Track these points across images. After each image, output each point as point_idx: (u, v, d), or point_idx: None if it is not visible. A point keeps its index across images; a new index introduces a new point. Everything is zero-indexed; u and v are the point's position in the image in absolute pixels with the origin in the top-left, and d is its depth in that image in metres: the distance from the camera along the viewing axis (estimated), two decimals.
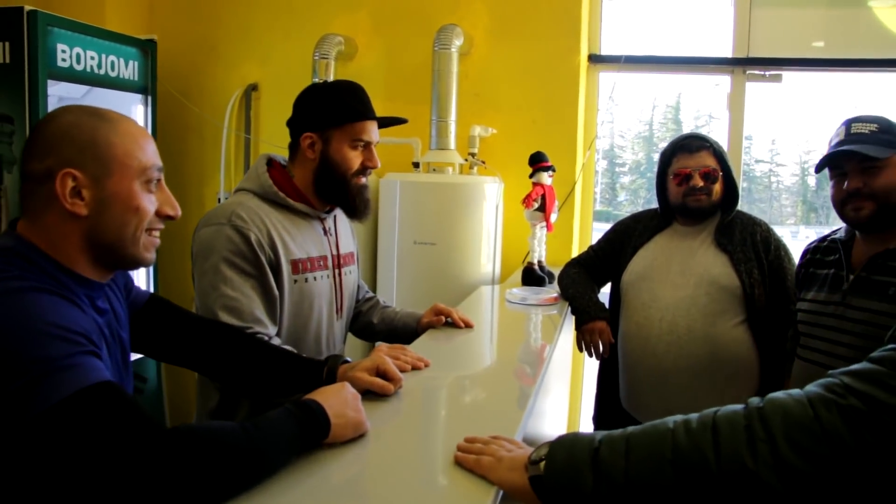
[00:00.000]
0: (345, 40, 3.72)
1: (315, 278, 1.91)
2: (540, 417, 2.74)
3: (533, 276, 3.08)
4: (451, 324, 2.16)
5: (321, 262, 1.94)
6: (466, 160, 3.50)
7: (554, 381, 2.93)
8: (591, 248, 2.77)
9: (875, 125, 1.86)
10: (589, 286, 2.61)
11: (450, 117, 3.43)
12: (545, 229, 3.10)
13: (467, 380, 1.82)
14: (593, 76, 3.86)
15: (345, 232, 2.12)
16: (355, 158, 1.91)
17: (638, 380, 2.47)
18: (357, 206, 1.96)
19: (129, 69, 3.55)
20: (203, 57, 4.02)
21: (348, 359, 1.56)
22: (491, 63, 3.73)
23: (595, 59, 3.83)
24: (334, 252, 2.00)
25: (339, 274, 2.00)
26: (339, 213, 2.06)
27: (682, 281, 2.39)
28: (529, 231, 3.08)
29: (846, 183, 1.87)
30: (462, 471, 1.16)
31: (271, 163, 1.95)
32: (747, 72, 3.69)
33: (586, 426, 3.19)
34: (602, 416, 2.72)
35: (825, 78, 3.82)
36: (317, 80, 3.59)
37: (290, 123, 1.95)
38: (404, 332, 2.21)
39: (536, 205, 3.01)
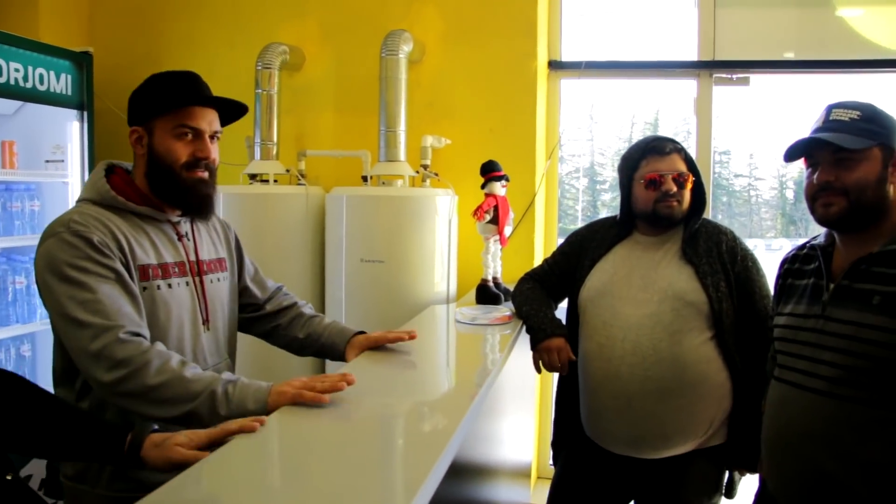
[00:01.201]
0: (291, 50, 3.55)
1: (170, 286, 1.73)
2: (496, 444, 2.55)
3: (487, 294, 2.90)
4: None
5: (176, 269, 1.76)
6: (418, 172, 3.31)
7: (510, 405, 2.74)
8: (546, 261, 2.57)
9: (857, 112, 1.66)
10: (544, 302, 2.40)
11: (399, 127, 3.24)
12: (499, 243, 2.92)
13: (396, 405, 1.66)
14: (554, 83, 3.70)
15: (210, 237, 1.94)
16: (182, 149, 1.72)
17: (601, 405, 2.25)
18: (191, 202, 1.77)
19: (60, 83, 3.35)
20: (145, 70, 3.71)
21: (155, 426, 1.38)
22: (444, 71, 3.56)
23: (555, 65, 3.67)
24: (192, 258, 1.82)
25: (202, 282, 1.83)
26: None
27: (645, 296, 2.18)
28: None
29: (816, 175, 1.67)
30: None
31: (112, 169, 1.78)
32: (714, 75, 3.54)
33: None
34: (562, 441, 2.49)
35: (795, 81, 3.67)
36: (259, 91, 3.41)
37: (127, 122, 1.77)
38: (332, 351, 2.04)
39: (489, 217, 2.83)
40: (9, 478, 2.53)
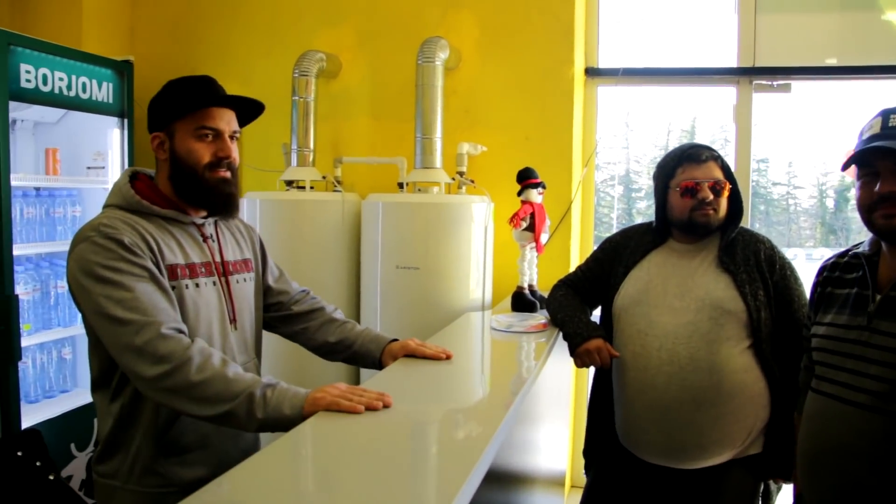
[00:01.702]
0: (328, 57, 3.57)
1: (198, 285, 1.76)
2: (531, 452, 2.52)
3: (523, 301, 2.88)
4: None
5: (203, 269, 1.79)
6: (454, 179, 3.31)
7: (546, 413, 2.71)
8: (580, 267, 2.54)
9: None
10: (578, 307, 2.38)
11: (435, 134, 3.24)
12: (535, 250, 2.90)
13: (431, 411, 1.66)
14: (591, 90, 3.67)
15: (234, 238, 1.96)
16: (203, 150, 1.74)
17: (636, 414, 2.22)
18: (216, 201, 1.79)
19: (102, 91, 3.41)
20: None
21: None
22: (481, 78, 3.56)
23: (592, 72, 3.65)
24: (217, 259, 1.84)
25: (227, 282, 1.85)
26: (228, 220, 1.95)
27: (682, 305, 2.15)
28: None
29: (878, 185, 1.59)
30: None
31: (136, 175, 1.81)
32: (754, 82, 3.48)
33: None
34: (594, 450, 2.46)
35: (837, 87, 3.60)
36: (296, 98, 3.43)
37: (148, 129, 1.81)
38: (366, 358, 2.05)
39: (525, 224, 2.81)
40: (51, 478, 2.59)
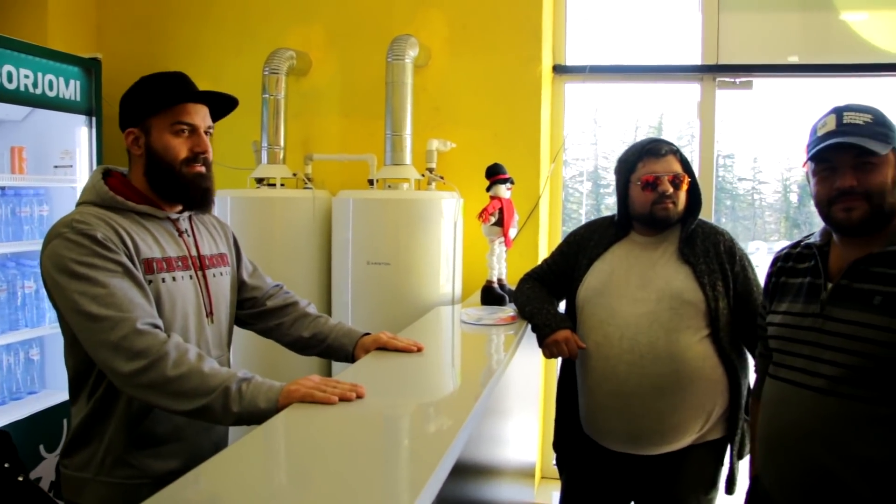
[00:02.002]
0: (298, 55, 3.58)
1: (174, 279, 1.77)
2: (500, 444, 2.56)
3: (492, 295, 2.92)
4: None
5: (179, 263, 1.80)
6: (424, 176, 3.34)
7: (515, 405, 2.75)
8: (545, 261, 2.60)
9: (869, 116, 1.66)
10: (546, 299, 2.43)
11: (405, 131, 3.27)
12: (504, 245, 2.94)
13: (402, 404, 1.68)
14: (559, 87, 3.73)
15: (209, 233, 1.98)
16: (180, 145, 1.76)
17: (599, 403, 2.28)
18: (193, 196, 1.81)
19: (70, 89, 3.39)
20: None
21: None
22: (450, 75, 3.59)
23: (560, 69, 3.70)
24: (193, 253, 1.86)
25: (204, 276, 1.87)
26: (202, 214, 1.96)
27: (643, 295, 2.21)
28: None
29: (837, 179, 1.65)
30: None
31: (109, 172, 1.82)
32: (717, 79, 3.56)
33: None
34: (562, 441, 2.51)
35: (798, 84, 3.68)
36: (267, 96, 3.44)
37: (119, 126, 1.82)
38: (339, 352, 2.07)
39: (493, 219, 2.85)
40: (20, 479, 2.57)
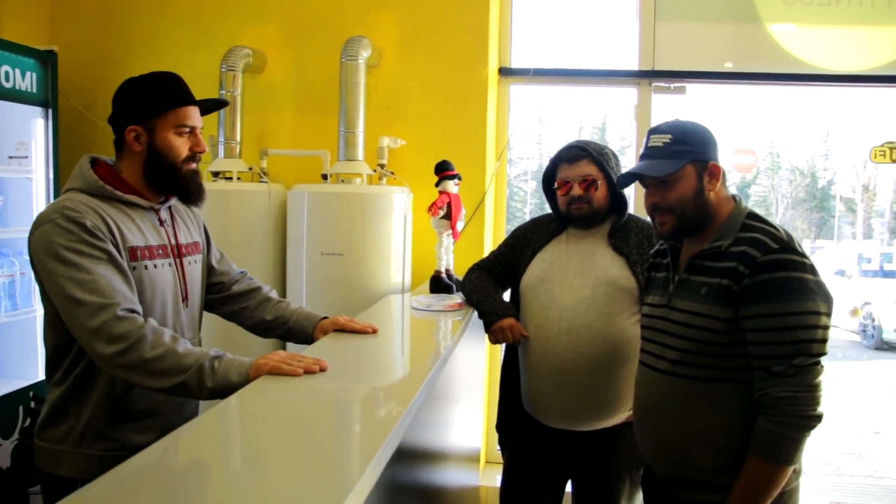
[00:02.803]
0: (254, 53, 3.68)
1: (155, 266, 1.90)
2: (446, 429, 2.72)
3: (440, 284, 3.07)
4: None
5: (160, 251, 1.94)
6: (375, 171, 3.49)
7: (461, 391, 2.91)
8: (493, 252, 2.77)
9: (668, 136, 1.88)
10: (492, 288, 2.61)
11: (358, 128, 3.41)
12: (452, 237, 3.10)
13: (351, 384, 1.80)
14: (504, 88, 3.90)
15: (185, 223, 2.11)
16: (182, 145, 1.92)
17: (540, 380, 2.46)
18: (191, 191, 1.97)
19: (26, 81, 3.43)
20: (108, 70, 3.91)
21: None
22: (400, 75, 3.74)
23: (505, 71, 3.88)
24: (173, 242, 1.99)
25: (181, 264, 2.01)
26: (177, 204, 2.07)
27: (581, 282, 2.41)
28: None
29: (647, 197, 1.95)
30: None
31: (96, 161, 1.94)
32: (653, 84, 3.78)
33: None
34: (505, 421, 2.70)
35: (730, 91, 3.94)
36: (223, 93, 3.54)
37: (111, 120, 1.94)
38: (299, 334, 2.21)
39: (442, 213, 3.00)
40: None
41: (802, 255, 1.78)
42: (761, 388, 1.75)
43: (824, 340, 1.74)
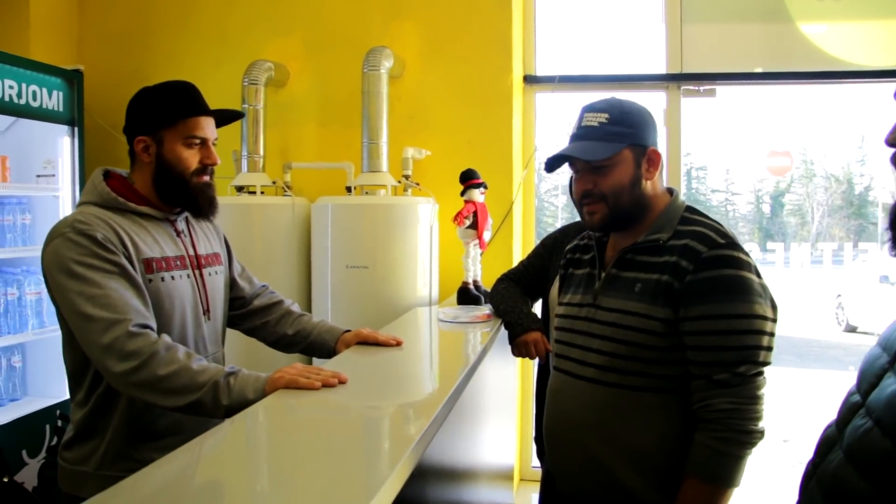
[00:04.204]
0: (276, 66, 3.67)
1: (173, 277, 1.85)
2: (476, 445, 2.63)
3: (468, 296, 3.00)
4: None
5: (178, 262, 1.88)
6: (400, 182, 3.44)
7: (490, 406, 2.83)
8: (521, 262, 2.70)
9: (605, 115, 1.69)
10: (520, 299, 2.53)
11: (381, 139, 3.37)
12: (479, 247, 3.04)
13: (377, 394, 1.74)
14: (529, 96, 3.85)
15: (205, 233, 2.06)
16: (191, 157, 1.86)
17: None
18: (201, 205, 1.91)
19: (52, 100, 3.45)
20: (134, 88, 3.87)
21: None
22: (424, 85, 3.70)
23: (530, 79, 3.82)
24: (191, 253, 1.94)
25: (201, 275, 1.95)
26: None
27: None
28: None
29: (576, 183, 1.74)
30: None
31: (109, 174, 1.90)
32: (682, 87, 3.70)
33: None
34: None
35: (760, 92, 3.83)
36: (246, 107, 3.53)
37: (125, 131, 1.90)
38: (322, 348, 2.14)
39: (468, 222, 2.94)
40: (5, 480, 2.62)
41: (748, 254, 1.62)
42: (701, 399, 1.57)
43: (770, 348, 1.57)
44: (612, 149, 1.66)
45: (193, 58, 3.94)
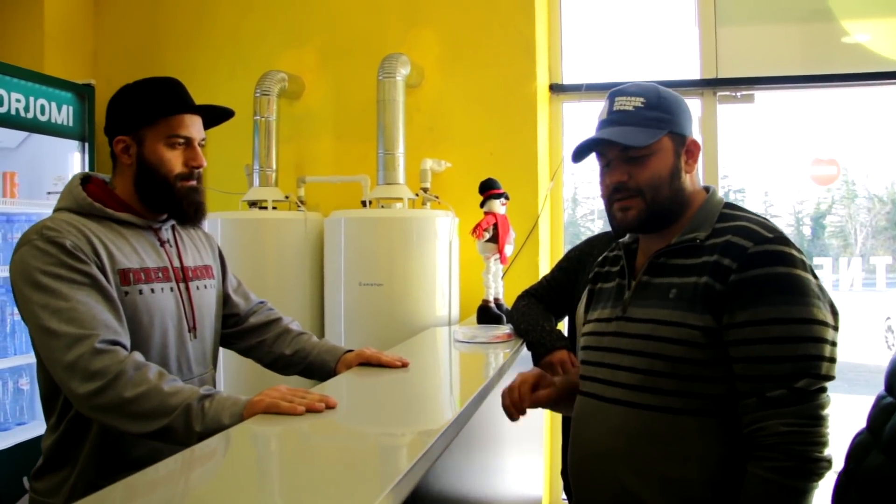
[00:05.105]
0: (290, 78, 3.55)
1: (153, 290, 1.68)
2: (498, 475, 2.44)
3: (489, 315, 2.82)
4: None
5: (159, 274, 1.72)
6: (418, 195, 3.27)
7: (514, 432, 2.63)
8: (545, 277, 2.51)
9: (641, 99, 1.48)
10: (542, 316, 2.33)
11: (397, 150, 3.21)
12: (500, 262, 2.85)
13: (356, 427, 1.54)
14: (556, 106, 3.67)
15: (194, 244, 1.90)
16: (175, 159, 1.71)
17: None
18: (186, 210, 1.75)
19: (62, 114, 3.37)
20: None
21: None
22: (443, 95, 3.55)
23: (556, 88, 3.64)
24: (176, 264, 1.78)
25: (188, 288, 1.78)
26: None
27: None
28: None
29: (608, 175, 1.51)
30: None
31: (88, 178, 1.76)
32: (718, 93, 3.49)
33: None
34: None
35: (801, 96, 3.59)
36: (258, 118, 3.41)
37: (105, 131, 1.76)
38: (321, 369, 1.97)
39: (488, 235, 2.77)
40: None
41: (800, 250, 1.38)
42: (753, 422, 1.31)
43: (833, 360, 1.32)
44: (652, 135, 1.44)
45: (207, 71, 3.84)
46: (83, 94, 3.47)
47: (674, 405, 1.38)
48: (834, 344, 1.33)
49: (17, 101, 3.14)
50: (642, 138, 1.44)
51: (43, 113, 3.27)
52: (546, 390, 1.68)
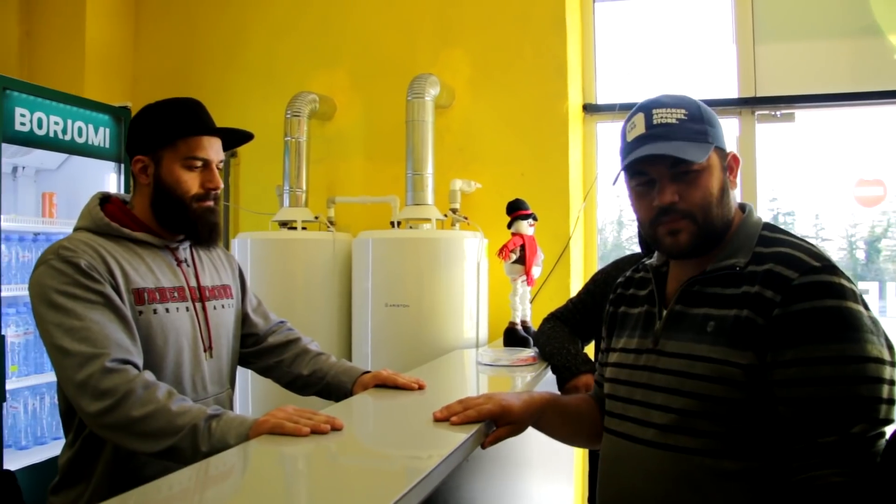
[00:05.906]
0: (322, 99, 3.57)
1: (167, 310, 1.69)
2: (521, 502, 2.37)
3: (515, 337, 2.77)
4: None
5: (175, 294, 1.73)
6: (447, 216, 3.24)
7: (541, 458, 2.56)
8: (571, 300, 2.45)
9: (683, 111, 1.33)
10: (567, 339, 2.28)
11: (426, 170, 3.19)
12: (527, 284, 2.80)
13: (361, 450, 1.51)
14: (590, 126, 3.61)
15: (213, 264, 1.91)
16: (191, 180, 1.72)
17: None
18: (200, 231, 1.77)
19: (99, 136, 3.44)
20: None
21: None
22: (474, 115, 3.53)
23: (590, 108, 3.59)
24: (192, 284, 1.78)
25: (204, 308, 1.79)
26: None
27: None
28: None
29: (656, 195, 1.34)
30: None
31: (108, 198, 1.78)
32: (756, 112, 3.39)
33: None
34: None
35: (842, 115, 3.47)
36: (288, 139, 3.43)
37: (126, 150, 1.81)
38: (338, 390, 1.95)
39: (515, 256, 2.72)
40: None
41: (850, 279, 1.24)
42: (803, 470, 1.17)
43: (892, 401, 1.18)
44: (705, 150, 1.31)
45: (241, 93, 3.90)
46: (119, 116, 3.54)
47: (712, 447, 1.27)
48: (892, 383, 1.19)
49: (56, 123, 3.22)
50: (698, 153, 1.30)
51: (80, 135, 3.34)
52: (505, 428, 1.53)
